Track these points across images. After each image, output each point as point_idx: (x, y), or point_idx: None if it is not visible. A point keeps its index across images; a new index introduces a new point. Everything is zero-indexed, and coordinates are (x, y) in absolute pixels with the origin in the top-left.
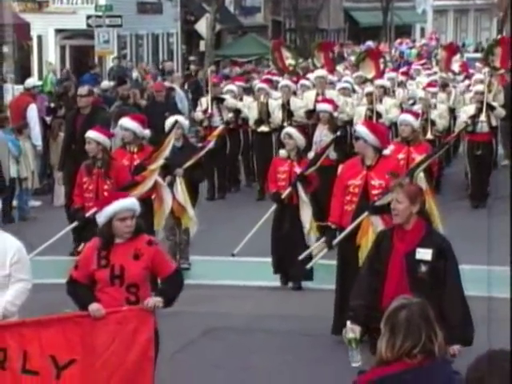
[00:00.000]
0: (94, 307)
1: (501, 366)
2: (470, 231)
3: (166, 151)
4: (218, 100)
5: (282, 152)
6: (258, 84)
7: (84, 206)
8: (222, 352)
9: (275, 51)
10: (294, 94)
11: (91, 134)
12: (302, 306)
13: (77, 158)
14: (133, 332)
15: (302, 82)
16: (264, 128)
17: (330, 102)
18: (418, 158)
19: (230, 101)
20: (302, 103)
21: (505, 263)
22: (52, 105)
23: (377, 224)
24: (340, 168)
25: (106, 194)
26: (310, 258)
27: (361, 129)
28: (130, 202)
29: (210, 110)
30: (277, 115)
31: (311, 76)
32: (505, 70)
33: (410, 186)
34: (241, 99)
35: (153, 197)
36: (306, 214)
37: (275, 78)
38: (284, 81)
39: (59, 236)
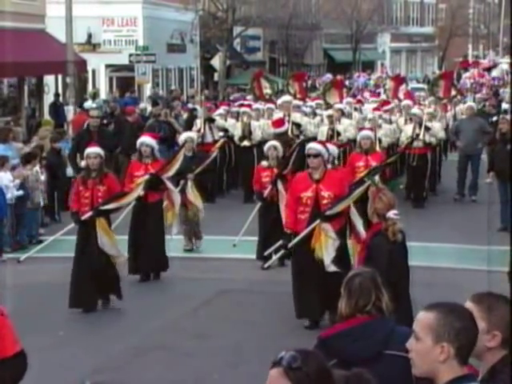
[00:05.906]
0: None
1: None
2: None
3: (177, 165)
4: (210, 121)
5: (264, 163)
6: (242, 108)
7: (80, 210)
8: (230, 308)
9: (255, 81)
10: (263, 115)
11: (94, 149)
12: (286, 274)
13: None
14: None
15: (268, 105)
16: (246, 143)
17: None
18: (374, 163)
19: (219, 122)
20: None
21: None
22: (104, 121)
23: (327, 229)
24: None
25: (99, 200)
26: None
27: (318, 147)
28: None
29: (202, 130)
30: (257, 133)
31: (279, 101)
32: (447, 99)
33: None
34: (225, 120)
35: (164, 203)
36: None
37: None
38: (255, 105)
39: (61, 233)
